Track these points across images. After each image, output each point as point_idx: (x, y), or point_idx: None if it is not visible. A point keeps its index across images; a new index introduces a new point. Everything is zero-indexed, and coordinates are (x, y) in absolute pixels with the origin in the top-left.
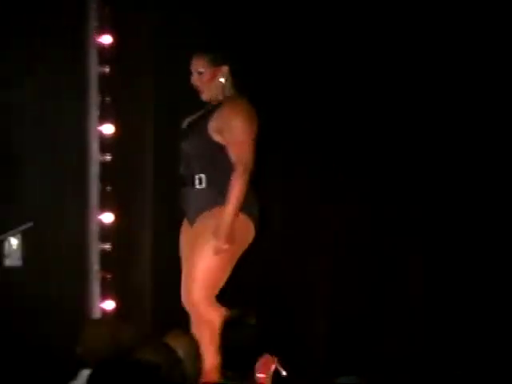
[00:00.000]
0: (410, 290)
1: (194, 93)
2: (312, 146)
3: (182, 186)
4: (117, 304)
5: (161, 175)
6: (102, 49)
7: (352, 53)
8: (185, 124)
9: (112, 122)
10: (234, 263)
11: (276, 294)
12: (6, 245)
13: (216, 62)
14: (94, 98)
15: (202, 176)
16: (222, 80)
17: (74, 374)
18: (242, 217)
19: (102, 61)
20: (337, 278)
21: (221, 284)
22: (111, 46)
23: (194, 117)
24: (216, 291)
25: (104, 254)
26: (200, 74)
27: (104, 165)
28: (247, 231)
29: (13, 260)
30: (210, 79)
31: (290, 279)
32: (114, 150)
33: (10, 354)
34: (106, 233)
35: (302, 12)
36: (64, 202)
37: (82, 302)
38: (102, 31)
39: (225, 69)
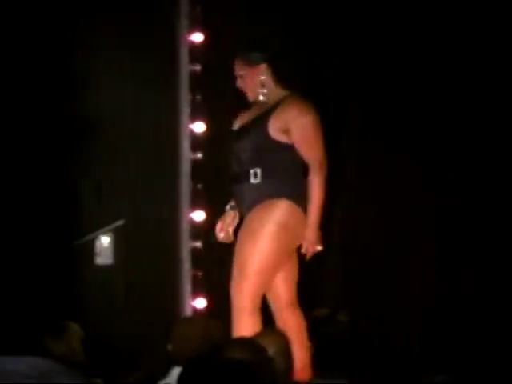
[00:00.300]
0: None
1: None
2: (414, 134)
3: (234, 183)
4: (208, 302)
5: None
6: (193, 47)
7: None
8: (237, 126)
9: (203, 120)
10: (288, 256)
11: (367, 290)
12: (98, 243)
13: (253, 62)
14: (185, 96)
15: (258, 170)
16: (263, 78)
17: (165, 372)
18: (298, 210)
19: (193, 59)
20: (428, 274)
21: (272, 274)
22: (202, 44)
23: (245, 119)
24: (266, 283)
25: (195, 252)
26: (241, 77)
27: (195, 163)
28: (302, 224)
29: (104, 258)
30: (251, 80)
31: (382, 275)
32: (204, 148)
33: (100, 352)
34: (197, 231)
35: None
36: (155, 201)
37: (174, 300)
38: (193, 30)
39: (263, 67)
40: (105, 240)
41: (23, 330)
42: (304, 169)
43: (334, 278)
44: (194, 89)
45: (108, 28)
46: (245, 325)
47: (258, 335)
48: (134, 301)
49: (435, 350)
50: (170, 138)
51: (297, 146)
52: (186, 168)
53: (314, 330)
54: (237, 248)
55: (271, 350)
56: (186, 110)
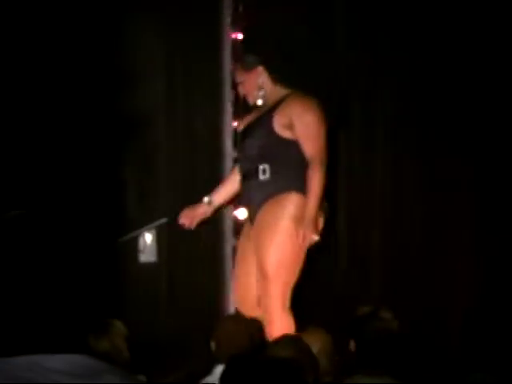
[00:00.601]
0: None
1: (325, 88)
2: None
3: (243, 181)
4: None
5: None
6: (235, 45)
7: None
8: (241, 128)
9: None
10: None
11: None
12: (141, 240)
13: (249, 67)
14: (227, 94)
15: (266, 166)
16: (260, 80)
17: (208, 370)
18: None
19: (236, 57)
20: (470, 273)
21: (296, 270)
22: (244, 42)
23: (250, 119)
24: (291, 280)
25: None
26: (241, 83)
27: (237, 160)
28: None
29: (147, 256)
30: (250, 84)
31: (422, 274)
32: None
33: (143, 349)
34: (239, 228)
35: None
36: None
37: (217, 297)
38: (236, 28)
39: (260, 69)
40: (148, 238)
41: (67, 328)
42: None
43: (375, 278)
44: (236, 87)
45: (151, 26)
46: (277, 325)
47: (302, 333)
48: (178, 298)
49: (476, 348)
50: (213, 137)
51: (300, 141)
52: (228, 166)
53: (357, 328)
54: (255, 246)
55: (315, 349)
56: (228, 108)
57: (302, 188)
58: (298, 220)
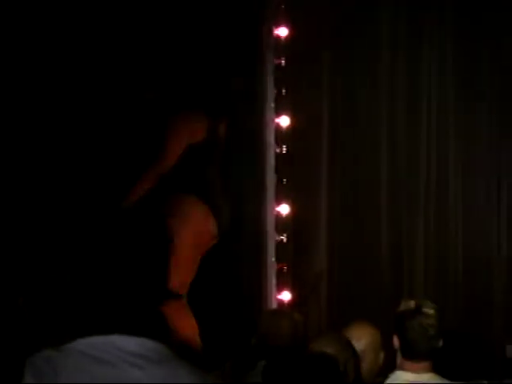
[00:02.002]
0: None
1: (369, 82)
2: None
3: None
4: (293, 295)
5: (336, 164)
6: (278, 41)
7: None
8: None
9: (288, 114)
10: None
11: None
12: None
13: None
14: (270, 90)
15: None
16: None
17: (252, 365)
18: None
19: (278, 53)
20: None
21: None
22: (287, 38)
23: None
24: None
25: (281, 245)
26: None
27: (280, 156)
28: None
29: None
30: None
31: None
32: (290, 142)
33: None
34: (282, 224)
35: None
36: (241, 194)
37: (259, 293)
38: (278, 24)
39: None
40: None
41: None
42: None
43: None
44: (279, 82)
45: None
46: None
47: (349, 327)
48: (220, 294)
49: None
50: (256, 132)
51: None
52: (271, 162)
53: (401, 324)
54: None
55: (362, 343)
56: (271, 104)
57: None
58: None
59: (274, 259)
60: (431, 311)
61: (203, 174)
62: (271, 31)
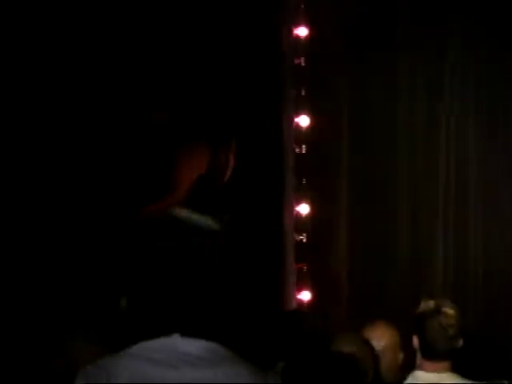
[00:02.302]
0: None
1: (388, 82)
2: None
3: None
4: (313, 294)
5: (356, 164)
6: (297, 41)
7: None
8: None
9: (307, 114)
10: None
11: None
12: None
13: None
14: (289, 90)
15: None
16: None
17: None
18: None
19: (298, 53)
20: None
21: None
22: (306, 38)
23: None
24: None
25: (300, 245)
26: None
27: (300, 156)
28: None
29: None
30: None
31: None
32: (309, 142)
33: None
34: (302, 224)
35: None
36: (260, 194)
37: (279, 292)
38: (298, 24)
39: None
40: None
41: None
42: None
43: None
44: (298, 82)
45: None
46: None
47: (369, 327)
48: (239, 294)
49: None
50: (275, 132)
51: None
52: (290, 162)
53: (420, 324)
54: None
55: (381, 344)
56: (290, 104)
57: None
58: None
59: (293, 259)
60: (451, 311)
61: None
62: (291, 31)
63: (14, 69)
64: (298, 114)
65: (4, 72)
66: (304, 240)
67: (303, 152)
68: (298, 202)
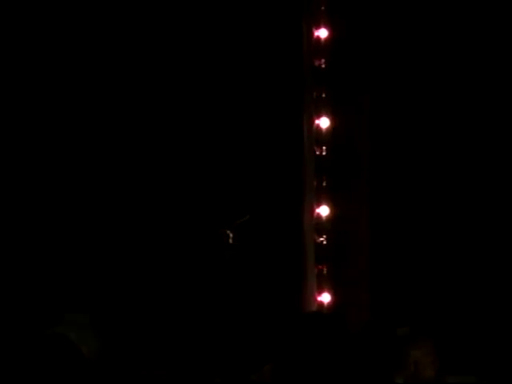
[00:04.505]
0: None
1: (411, 84)
2: None
3: None
4: (333, 296)
5: (377, 166)
6: (318, 43)
7: None
8: None
9: (328, 116)
10: None
11: None
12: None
13: None
14: (309, 91)
15: None
16: None
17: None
18: None
19: (319, 54)
20: None
21: None
22: (327, 39)
23: None
24: None
25: (320, 247)
26: None
27: (320, 158)
28: None
29: (231, 252)
30: None
31: None
32: (329, 143)
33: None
34: (322, 226)
35: None
36: (281, 195)
37: (300, 294)
38: (318, 25)
39: None
40: (231, 234)
41: None
42: None
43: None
44: (319, 84)
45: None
46: None
47: (404, 335)
48: (260, 296)
49: None
50: (296, 133)
51: None
52: (310, 163)
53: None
54: None
55: (418, 352)
56: (311, 105)
57: None
58: None
59: (313, 261)
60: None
61: None
62: (312, 33)
63: (13, 69)
64: (318, 116)
65: (4, 72)
66: (324, 242)
67: (324, 154)
68: (319, 204)
